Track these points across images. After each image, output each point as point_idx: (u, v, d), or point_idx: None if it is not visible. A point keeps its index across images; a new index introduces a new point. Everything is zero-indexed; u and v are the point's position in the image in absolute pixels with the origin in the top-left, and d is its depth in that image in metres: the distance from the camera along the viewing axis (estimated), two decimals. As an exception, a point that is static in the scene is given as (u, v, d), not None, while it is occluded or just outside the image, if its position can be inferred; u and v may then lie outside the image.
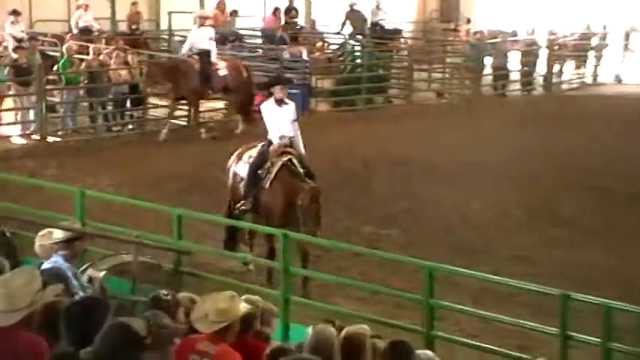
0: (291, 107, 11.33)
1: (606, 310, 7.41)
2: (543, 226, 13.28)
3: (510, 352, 8.20)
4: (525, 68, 26.04)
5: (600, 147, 17.63)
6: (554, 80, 26.06)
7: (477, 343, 8.41)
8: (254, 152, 11.34)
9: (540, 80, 26.11)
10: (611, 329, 7.44)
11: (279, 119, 11.14)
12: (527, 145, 17.86)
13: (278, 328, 7.72)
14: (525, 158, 17.00)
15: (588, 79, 27.43)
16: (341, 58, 23.82)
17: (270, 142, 11.18)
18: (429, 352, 6.16)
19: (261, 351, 5.68)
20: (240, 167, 11.39)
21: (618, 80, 27.48)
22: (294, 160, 11.01)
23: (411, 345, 5.70)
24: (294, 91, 21.95)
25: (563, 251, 12.01)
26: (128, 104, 18.84)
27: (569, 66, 27.15)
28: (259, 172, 11.06)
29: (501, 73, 25.57)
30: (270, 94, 11.44)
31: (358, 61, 23.51)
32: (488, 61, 25.41)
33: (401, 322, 8.60)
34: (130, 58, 19.24)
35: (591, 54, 27.64)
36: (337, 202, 15.62)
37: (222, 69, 18.33)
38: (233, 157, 11.63)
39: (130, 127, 19.05)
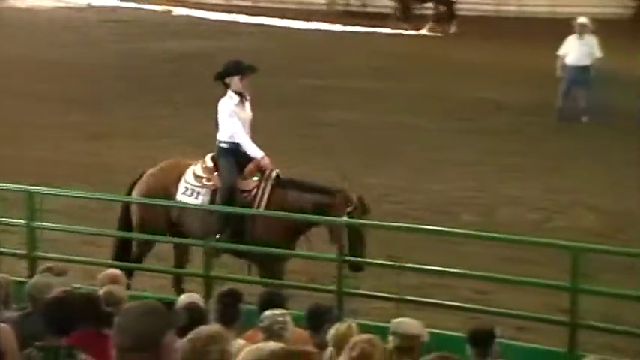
0: (248, 103, 7.20)
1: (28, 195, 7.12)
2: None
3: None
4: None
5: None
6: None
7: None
8: (199, 170, 7.05)
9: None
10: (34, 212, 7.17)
11: (242, 120, 7.09)
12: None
13: None
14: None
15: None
16: None
17: (236, 150, 7.02)
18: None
19: None
20: (185, 193, 6.99)
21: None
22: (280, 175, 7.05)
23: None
24: None
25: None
26: None
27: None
28: (241, 195, 6.93)
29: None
30: (226, 87, 7.08)
31: None
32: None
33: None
34: None
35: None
36: None
37: None
38: (150, 178, 7.12)
39: None
